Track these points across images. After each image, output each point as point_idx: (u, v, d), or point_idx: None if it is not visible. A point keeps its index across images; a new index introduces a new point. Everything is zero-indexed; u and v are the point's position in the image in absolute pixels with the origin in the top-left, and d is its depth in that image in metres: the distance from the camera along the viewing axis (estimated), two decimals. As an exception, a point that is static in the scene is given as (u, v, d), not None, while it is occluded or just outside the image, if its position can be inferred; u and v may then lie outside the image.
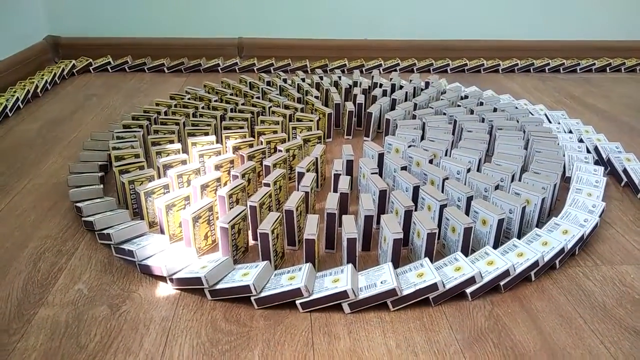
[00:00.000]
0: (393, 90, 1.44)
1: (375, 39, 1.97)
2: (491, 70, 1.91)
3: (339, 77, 1.49)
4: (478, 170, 0.97)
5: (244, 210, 0.78)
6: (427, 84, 1.47)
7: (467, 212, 0.84)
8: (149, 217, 0.85)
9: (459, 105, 1.31)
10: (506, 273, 0.71)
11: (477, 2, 1.95)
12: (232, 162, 0.97)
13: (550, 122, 1.32)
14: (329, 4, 1.91)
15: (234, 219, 0.75)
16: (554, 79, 1.84)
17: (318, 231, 0.74)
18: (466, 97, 1.42)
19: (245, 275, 0.69)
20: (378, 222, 0.88)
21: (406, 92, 1.37)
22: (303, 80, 1.46)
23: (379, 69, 1.85)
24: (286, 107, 1.27)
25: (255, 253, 0.81)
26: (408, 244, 0.81)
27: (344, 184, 0.87)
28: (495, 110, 1.27)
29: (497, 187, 0.87)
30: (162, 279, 0.74)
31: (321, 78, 1.49)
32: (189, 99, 1.36)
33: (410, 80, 1.46)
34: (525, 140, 1.12)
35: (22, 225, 0.88)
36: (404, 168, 0.93)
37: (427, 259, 0.73)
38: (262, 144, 1.05)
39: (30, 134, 1.27)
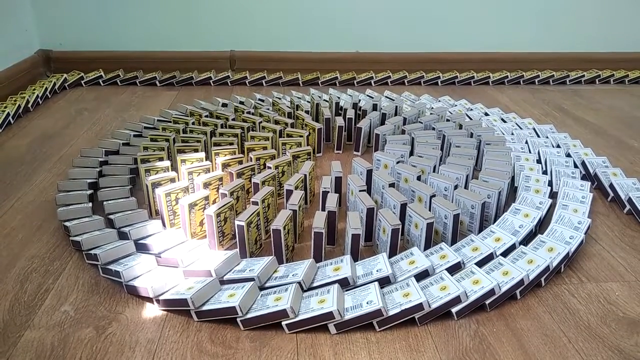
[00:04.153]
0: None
1: (367, 52, 1.98)
2: (481, 82, 1.92)
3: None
4: (465, 186, 0.98)
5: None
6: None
7: (454, 231, 0.84)
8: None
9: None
10: (491, 292, 0.72)
11: (468, 15, 1.97)
12: (221, 179, 0.97)
13: (538, 136, 1.33)
14: (320, 17, 1.92)
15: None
16: (543, 91, 1.86)
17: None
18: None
19: (232, 296, 0.69)
20: (366, 240, 0.89)
21: (396, 107, 1.38)
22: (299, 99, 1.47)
23: (370, 82, 1.86)
24: (276, 122, 1.28)
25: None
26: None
27: (331, 202, 0.87)
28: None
29: (484, 204, 0.88)
30: (149, 299, 0.74)
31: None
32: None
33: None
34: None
35: (10, 244, 0.88)
36: (391, 185, 0.94)
37: (413, 278, 0.73)
38: (251, 160, 1.05)
39: (20, 150, 1.27)
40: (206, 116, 1.33)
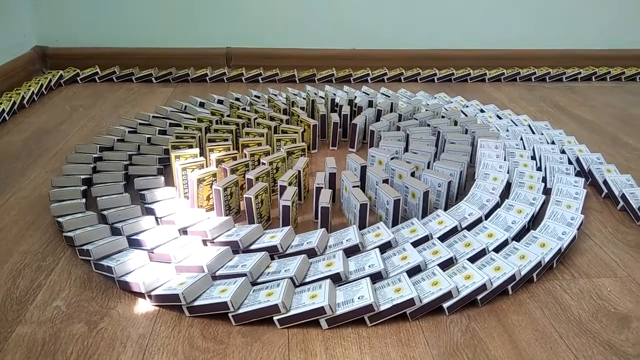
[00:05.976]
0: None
1: (363, 49, 1.98)
2: (478, 79, 1.92)
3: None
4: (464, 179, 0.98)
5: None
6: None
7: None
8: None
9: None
10: (483, 287, 0.72)
11: (464, 11, 1.97)
12: (214, 175, 0.97)
13: (534, 132, 1.33)
14: (317, 13, 1.92)
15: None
16: (540, 88, 1.86)
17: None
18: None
19: (223, 291, 0.69)
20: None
21: (391, 103, 1.38)
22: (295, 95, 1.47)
23: (366, 79, 1.86)
24: (272, 118, 1.28)
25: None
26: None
27: (325, 197, 0.87)
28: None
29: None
30: (141, 295, 0.74)
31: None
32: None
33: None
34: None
35: (3, 240, 0.87)
36: (385, 181, 0.94)
37: (405, 273, 0.73)
38: (245, 156, 1.05)
39: (15, 146, 1.26)
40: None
